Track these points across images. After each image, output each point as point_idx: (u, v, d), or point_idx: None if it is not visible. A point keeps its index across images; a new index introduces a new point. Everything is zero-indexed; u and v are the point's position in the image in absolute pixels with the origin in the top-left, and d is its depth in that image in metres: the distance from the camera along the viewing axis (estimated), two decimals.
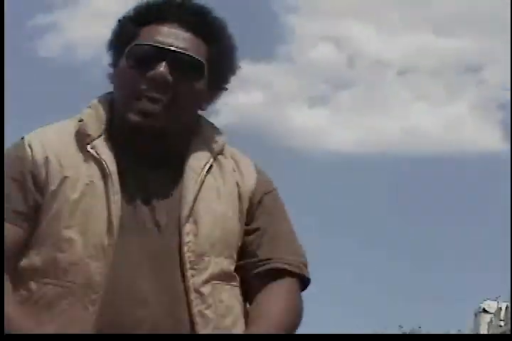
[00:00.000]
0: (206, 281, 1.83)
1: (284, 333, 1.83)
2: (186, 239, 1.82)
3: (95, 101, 1.91)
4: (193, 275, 1.81)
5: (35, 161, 1.82)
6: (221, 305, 1.85)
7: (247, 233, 1.92)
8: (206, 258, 1.83)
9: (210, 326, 1.81)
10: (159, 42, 1.80)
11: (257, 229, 1.92)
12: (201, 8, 1.89)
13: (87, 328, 1.75)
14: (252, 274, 1.89)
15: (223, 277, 1.87)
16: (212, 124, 1.95)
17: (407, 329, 24.86)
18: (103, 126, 1.87)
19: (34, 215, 1.82)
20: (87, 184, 1.81)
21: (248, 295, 1.90)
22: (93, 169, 1.82)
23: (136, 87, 1.79)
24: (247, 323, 1.86)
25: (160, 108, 1.79)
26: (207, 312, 1.82)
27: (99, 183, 1.81)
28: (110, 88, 1.90)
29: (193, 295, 1.81)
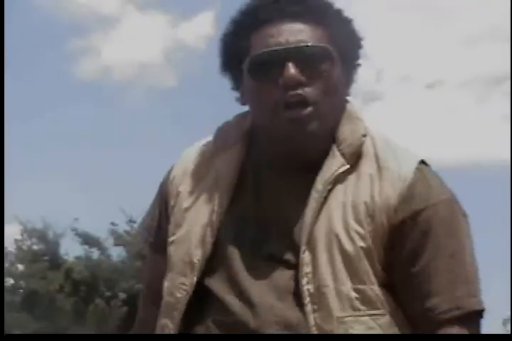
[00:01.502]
0: (329, 317, 1.64)
1: None
2: (304, 270, 1.65)
3: (235, 116, 1.87)
4: (315, 310, 1.64)
5: (169, 180, 1.87)
6: None
7: (399, 267, 1.68)
8: (327, 291, 1.65)
9: None
10: (274, 45, 1.68)
11: (414, 264, 1.67)
12: None
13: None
14: (418, 313, 1.67)
15: (354, 310, 1.65)
16: (354, 116, 1.77)
17: None
18: (238, 139, 1.81)
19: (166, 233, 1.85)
20: (198, 196, 1.80)
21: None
22: (208, 181, 1.80)
23: (274, 98, 1.67)
24: None
25: (309, 110, 1.66)
26: None
27: (208, 195, 1.78)
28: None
29: (311, 324, 1.64)
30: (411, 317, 1.71)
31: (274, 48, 1.68)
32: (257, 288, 1.69)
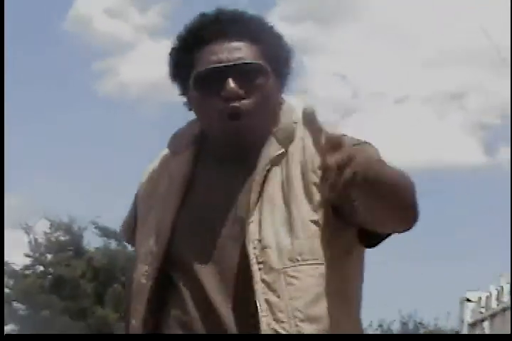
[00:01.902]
0: (270, 270, 1.70)
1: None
2: (252, 237, 1.70)
3: (187, 123, 1.90)
4: (259, 269, 1.70)
5: (138, 189, 1.93)
6: (291, 288, 1.70)
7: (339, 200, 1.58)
8: (268, 250, 1.71)
9: (279, 308, 1.69)
10: (216, 62, 1.74)
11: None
12: (236, 16, 1.83)
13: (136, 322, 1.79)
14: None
15: (295, 260, 1.72)
16: (286, 109, 1.82)
17: (405, 313, 25.35)
18: (189, 144, 1.86)
19: None
20: (156, 197, 1.85)
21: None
22: (164, 182, 1.84)
23: (217, 109, 1.74)
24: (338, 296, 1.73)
25: (245, 122, 1.73)
26: (273, 298, 1.69)
27: (164, 195, 1.83)
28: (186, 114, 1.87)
29: (259, 286, 1.69)
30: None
31: (215, 65, 1.73)
32: (208, 271, 1.74)
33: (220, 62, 1.74)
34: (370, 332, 23.74)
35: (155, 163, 1.92)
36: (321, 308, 1.70)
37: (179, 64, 1.82)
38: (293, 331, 1.69)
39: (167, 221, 1.79)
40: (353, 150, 1.41)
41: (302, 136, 1.76)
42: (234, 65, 1.73)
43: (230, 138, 1.77)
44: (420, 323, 24.51)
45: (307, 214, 1.72)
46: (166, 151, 1.91)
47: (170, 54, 1.83)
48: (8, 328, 24.79)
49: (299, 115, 1.63)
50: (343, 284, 1.75)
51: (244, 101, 1.73)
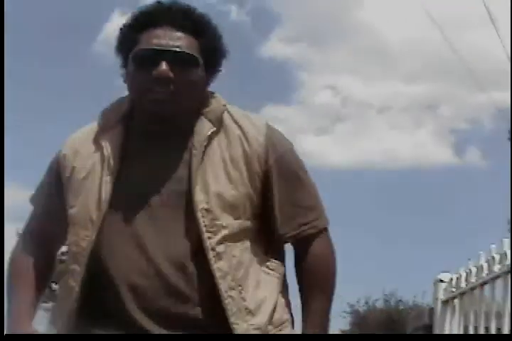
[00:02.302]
0: (220, 242, 1.75)
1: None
2: (198, 206, 1.73)
3: (115, 101, 1.92)
4: (209, 238, 1.74)
5: (60, 159, 1.87)
6: (234, 260, 1.76)
7: (270, 197, 1.81)
8: (218, 222, 1.75)
9: (227, 278, 1.74)
10: (156, 45, 1.76)
11: (279, 194, 1.81)
12: (187, 10, 1.83)
13: (76, 284, 1.75)
14: (286, 237, 1.82)
15: (235, 236, 1.78)
16: (216, 97, 1.86)
17: (387, 292, 25.45)
18: (119, 120, 1.85)
19: (60, 203, 1.84)
20: (91, 168, 1.81)
21: (296, 248, 1.83)
22: (97, 156, 1.82)
23: (146, 85, 1.75)
24: (255, 273, 1.78)
25: (167, 98, 1.75)
26: (224, 265, 1.74)
27: (98, 167, 1.80)
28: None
29: (210, 254, 1.73)
30: (278, 238, 1.83)
31: (155, 47, 1.74)
32: (150, 233, 1.74)
33: (160, 46, 1.74)
34: (357, 308, 23.91)
35: (80, 136, 1.89)
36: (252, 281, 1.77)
37: (125, 40, 1.81)
38: (238, 298, 1.73)
39: (106, 193, 1.75)
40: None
41: (235, 118, 1.83)
42: (170, 51, 1.74)
43: (155, 117, 1.79)
44: (400, 300, 24.66)
45: (246, 197, 1.77)
46: (92, 126, 1.88)
47: (120, 29, 1.82)
48: (49, 305, 24.92)
49: (226, 104, 1.82)
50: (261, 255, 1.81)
51: (172, 84, 1.73)
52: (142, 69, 1.74)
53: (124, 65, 1.80)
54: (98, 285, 1.75)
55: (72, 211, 1.79)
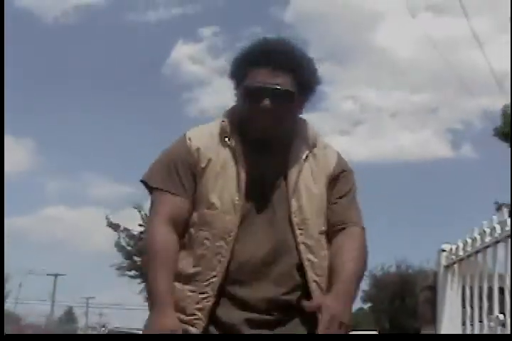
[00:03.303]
0: (311, 237, 1.79)
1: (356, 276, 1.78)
2: (293, 208, 1.79)
3: (229, 110, 1.93)
4: (301, 233, 1.78)
5: (192, 150, 1.84)
6: (322, 252, 1.81)
7: (331, 197, 1.87)
8: (309, 221, 1.80)
9: (315, 266, 1.78)
10: (262, 83, 1.78)
11: (338, 194, 1.88)
12: (287, 50, 1.85)
13: (225, 255, 1.75)
14: (336, 224, 1.85)
15: (321, 233, 1.83)
16: (308, 124, 1.92)
17: (399, 259, 25.37)
18: (235, 127, 1.86)
19: (193, 185, 1.83)
20: (224, 163, 1.81)
21: (332, 241, 1.85)
22: (228, 154, 1.83)
23: (253, 114, 1.80)
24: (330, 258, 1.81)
25: (268, 126, 1.80)
26: (312, 257, 1.78)
27: (232, 163, 1.81)
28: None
29: (301, 246, 1.77)
30: (332, 228, 1.86)
31: (260, 85, 1.79)
32: (266, 225, 1.79)
33: (265, 84, 1.79)
34: (374, 273, 23.91)
35: (205, 134, 1.88)
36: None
37: (237, 70, 1.86)
38: (324, 284, 1.78)
39: (242, 184, 1.79)
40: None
41: (323, 146, 1.93)
42: (271, 88, 1.79)
43: (261, 135, 1.84)
44: (409, 266, 24.56)
45: (325, 202, 1.86)
46: (211, 126, 1.90)
47: (235, 60, 1.88)
48: (132, 273, 25.07)
49: (316, 130, 1.93)
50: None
51: (272, 115, 1.79)
52: (252, 100, 1.80)
53: (235, 88, 1.87)
54: (236, 260, 1.76)
55: (212, 195, 1.80)
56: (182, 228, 1.81)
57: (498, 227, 3.22)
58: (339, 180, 1.89)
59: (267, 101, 1.78)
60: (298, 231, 1.78)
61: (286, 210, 1.80)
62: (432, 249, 4.04)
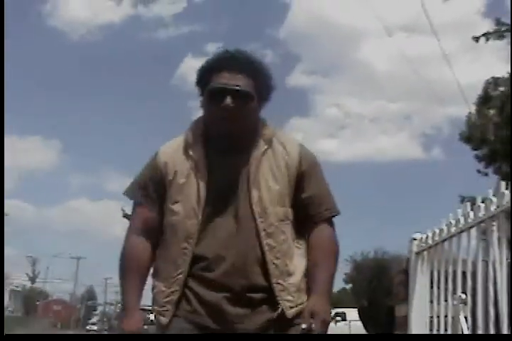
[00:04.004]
0: (270, 225, 1.76)
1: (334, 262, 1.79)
2: (254, 200, 1.76)
3: (195, 121, 1.88)
4: (261, 222, 1.75)
5: (160, 166, 1.82)
6: (281, 237, 1.77)
7: (301, 192, 1.83)
8: (268, 211, 1.76)
9: (274, 250, 1.75)
10: (223, 84, 1.75)
11: (308, 190, 1.83)
12: (246, 57, 1.82)
13: (189, 255, 1.73)
14: (308, 216, 1.82)
15: (281, 220, 1.78)
16: (266, 124, 1.86)
17: (376, 246, 25.44)
18: (198, 136, 1.83)
19: (161, 196, 1.81)
20: (188, 173, 1.78)
21: (307, 230, 1.82)
22: (191, 164, 1.80)
23: (217, 113, 1.76)
24: (292, 247, 1.79)
25: (232, 123, 1.76)
26: (271, 242, 1.75)
27: (194, 173, 1.78)
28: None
29: (262, 234, 1.74)
30: (304, 221, 1.82)
31: (222, 86, 1.75)
32: (230, 221, 1.75)
33: (226, 85, 1.76)
34: (355, 258, 23.89)
35: (172, 148, 1.85)
36: (293, 250, 1.79)
37: (202, 78, 1.82)
38: (283, 265, 1.74)
39: (202, 191, 1.76)
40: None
41: (281, 141, 1.85)
42: (233, 89, 1.75)
43: (223, 136, 1.80)
44: (386, 252, 24.60)
45: (287, 192, 1.80)
46: (178, 141, 1.86)
47: (198, 70, 1.84)
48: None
49: (274, 130, 1.86)
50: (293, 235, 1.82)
51: (234, 113, 1.75)
52: (214, 101, 1.77)
53: (201, 94, 1.83)
54: (198, 258, 1.74)
55: (176, 205, 1.78)
56: (155, 232, 1.81)
57: (461, 219, 3.24)
58: (306, 175, 1.83)
59: (228, 100, 1.74)
60: (259, 220, 1.75)
61: (249, 203, 1.76)
62: (405, 237, 4.06)
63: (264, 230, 1.74)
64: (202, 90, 1.82)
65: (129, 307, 1.79)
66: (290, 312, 1.71)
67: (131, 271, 1.80)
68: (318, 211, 1.82)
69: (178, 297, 1.75)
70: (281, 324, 1.72)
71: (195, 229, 1.74)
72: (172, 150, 1.84)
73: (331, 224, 1.84)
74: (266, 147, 1.81)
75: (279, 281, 1.73)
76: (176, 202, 1.78)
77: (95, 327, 53.38)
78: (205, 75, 1.81)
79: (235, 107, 1.74)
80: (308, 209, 1.82)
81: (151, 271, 1.85)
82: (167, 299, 1.76)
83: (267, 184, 1.78)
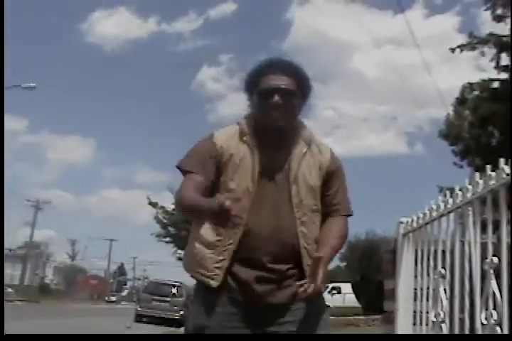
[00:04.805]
0: (304, 214, 1.74)
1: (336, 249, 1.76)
2: (293, 192, 1.74)
3: (245, 116, 1.85)
4: (297, 211, 1.73)
5: (217, 146, 1.79)
6: (313, 226, 1.75)
7: (327, 190, 1.81)
8: (303, 202, 1.75)
9: (306, 236, 1.73)
10: (271, 85, 1.74)
11: (332, 188, 1.82)
12: (288, 62, 1.82)
13: (240, 229, 1.69)
14: (329, 211, 1.81)
15: (313, 211, 1.77)
16: (306, 125, 1.84)
17: (367, 229, 25.41)
18: (251, 128, 1.79)
19: (214, 171, 1.76)
20: (242, 157, 1.76)
21: (325, 220, 1.81)
22: (245, 149, 1.77)
23: (267, 109, 1.74)
24: (320, 233, 1.76)
25: (280, 116, 1.73)
26: (304, 230, 1.73)
27: (249, 157, 1.75)
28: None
29: (297, 222, 1.72)
30: (327, 211, 1.82)
31: (270, 86, 1.74)
32: (271, 201, 1.74)
33: (274, 85, 1.76)
34: (349, 239, 23.85)
35: (227, 134, 1.82)
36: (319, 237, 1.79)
37: (251, 82, 1.82)
38: (312, 250, 1.74)
39: (255, 174, 1.75)
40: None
41: (317, 144, 1.86)
42: (279, 88, 1.76)
43: (272, 130, 1.79)
44: (376, 234, 24.52)
45: (318, 188, 1.83)
46: (231, 129, 1.83)
47: (248, 75, 1.83)
48: (166, 239, 24.95)
49: (311, 132, 1.86)
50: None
51: (282, 109, 1.74)
52: (265, 100, 1.77)
53: (249, 99, 1.84)
54: (245, 235, 1.72)
55: (232, 182, 1.76)
56: (204, 195, 1.74)
57: (442, 205, 3.24)
58: (333, 175, 1.85)
59: (276, 97, 1.74)
60: (295, 209, 1.75)
61: (288, 193, 1.76)
62: (393, 221, 4.04)
63: (299, 219, 1.74)
64: (250, 93, 1.82)
65: (208, 201, 1.64)
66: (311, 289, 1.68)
67: (195, 195, 1.71)
68: (337, 207, 1.83)
69: (228, 264, 1.72)
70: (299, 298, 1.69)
71: (247, 207, 1.71)
72: (226, 137, 1.82)
73: (345, 220, 1.85)
74: (306, 147, 1.81)
75: (309, 263, 1.71)
76: (232, 180, 1.76)
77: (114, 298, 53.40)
78: (253, 80, 1.81)
79: (282, 104, 1.74)
80: (330, 203, 1.83)
81: (190, 235, 1.80)
82: (217, 265, 1.72)
83: (305, 179, 1.78)
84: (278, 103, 1.73)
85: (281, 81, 1.76)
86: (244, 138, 1.79)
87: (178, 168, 1.82)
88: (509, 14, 13.96)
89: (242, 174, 1.75)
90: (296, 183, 1.76)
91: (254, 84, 1.79)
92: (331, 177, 1.83)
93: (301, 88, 1.79)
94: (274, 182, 1.76)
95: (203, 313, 1.69)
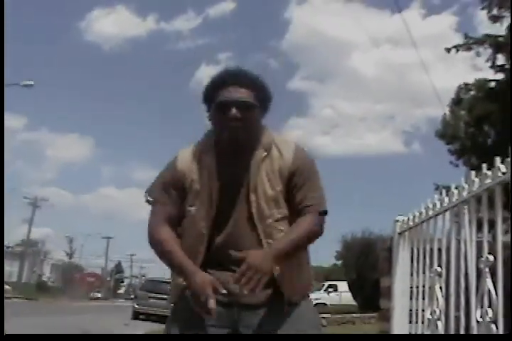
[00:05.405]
0: (268, 226, 1.71)
1: (296, 240, 1.69)
2: (253, 204, 1.72)
3: (205, 133, 1.82)
4: (260, 224, 1.71)
5: (179, 174, 1.78)
6: (279, 234, 1.71)
7: (292, 189, 1.75)
8: (265, 214, 1.72)
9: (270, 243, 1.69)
10: (229, 97, 1.71)
11: (296, 187, 1.76)
12: (246, 73, 1.78)
13: (202, 250, 1.70)
14: (297, 210, 1.75)
15: (277, 220, 1.73)
16: (266, 130, 1.80)
17: (363, 227, 25.40)
18: (209, 146, 1.78)
19: (180, 197, 1.76)
20: (202, 182, 1.75)
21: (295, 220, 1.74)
22: (205, 172, 1.75)
23: (225, 123, 1.71)
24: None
25: (239, 130, 1.70)
26: (270, 240, 1.71)
27: (207, 180, 1.74)
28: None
29: (262, 235, 1.70)
30: (296, 213, 1.74)
31: (228, 99, 1.70)
32: (233, 219, 1.72)
33: (231, 98, 1.72)
34: (346, 238, 23.89)
35: (188, 156, 1.80)
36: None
37: (209, 94, 1.77)
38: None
39: (214, 197, 1.73)
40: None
41: (278, 146, 1.79)
42: (237, 101, 1.72)
43: (230, 144, 1.74)
44: (372, 233, 24.54)
45: (282, 193, 1.76)
46: (193, 149, 1.81)
47: (206, 87, 1.78)
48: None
49: (273, 136, 1.79)
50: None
51: (239, 122, 1.70)
52: (222, 113, 1.73)
53: (208, 110, 1.80)
54: (214, 247, 1.72)
55: (192, 208, 1.75)
56: (175, 227, 1.77)
57: (438, 203, 3.25)
58: (295, 174, 1.76)
59: (234, 111, 1.70)
60: (257, 223, 1.71)
61: (248, 208, 1.72)
62: (389, 220, 4.06)
63: (264, 232, 1.71)
64: (209, 106, 1.79)
65: (189, 265, 1.67)
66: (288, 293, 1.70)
67: (172, 245, 1.72)
68: (304, 205, 1.75)
69: (204, 269, 1.71)
70: (279, 299, 1.69)
71: (206, 229, 1.72)
72: (188, 160, 1.80)
73: (313, 216, 1.74)
74: (265, 154, 1.76)
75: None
76: (191, 206, 1.75)
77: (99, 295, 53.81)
78: (211, 92, 1.77)
79: (240, 117, 1.70)
80: (296, 202, 1.76)
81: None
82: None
83: (264, 190, 1.73)
84: (236, 116, 1.70)
85: (239, 93, 1.73)
86: (203, 161, 1.77)
87: (147, 197, 1.83)
88: (504, 14, 14.00)
89: (202, 199, 1.74)
90: (256, 196, 1.72)
91: (211, 97, 1.76)
92: (294, 177, 1.76)
93: (259, 99, 1.76)
94: (236, 198, 1.74)
95: (182, 312, 1.71)
